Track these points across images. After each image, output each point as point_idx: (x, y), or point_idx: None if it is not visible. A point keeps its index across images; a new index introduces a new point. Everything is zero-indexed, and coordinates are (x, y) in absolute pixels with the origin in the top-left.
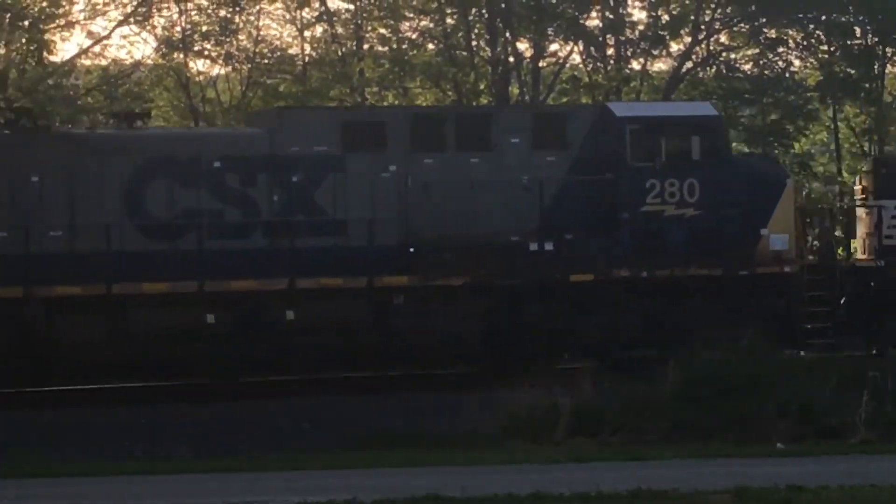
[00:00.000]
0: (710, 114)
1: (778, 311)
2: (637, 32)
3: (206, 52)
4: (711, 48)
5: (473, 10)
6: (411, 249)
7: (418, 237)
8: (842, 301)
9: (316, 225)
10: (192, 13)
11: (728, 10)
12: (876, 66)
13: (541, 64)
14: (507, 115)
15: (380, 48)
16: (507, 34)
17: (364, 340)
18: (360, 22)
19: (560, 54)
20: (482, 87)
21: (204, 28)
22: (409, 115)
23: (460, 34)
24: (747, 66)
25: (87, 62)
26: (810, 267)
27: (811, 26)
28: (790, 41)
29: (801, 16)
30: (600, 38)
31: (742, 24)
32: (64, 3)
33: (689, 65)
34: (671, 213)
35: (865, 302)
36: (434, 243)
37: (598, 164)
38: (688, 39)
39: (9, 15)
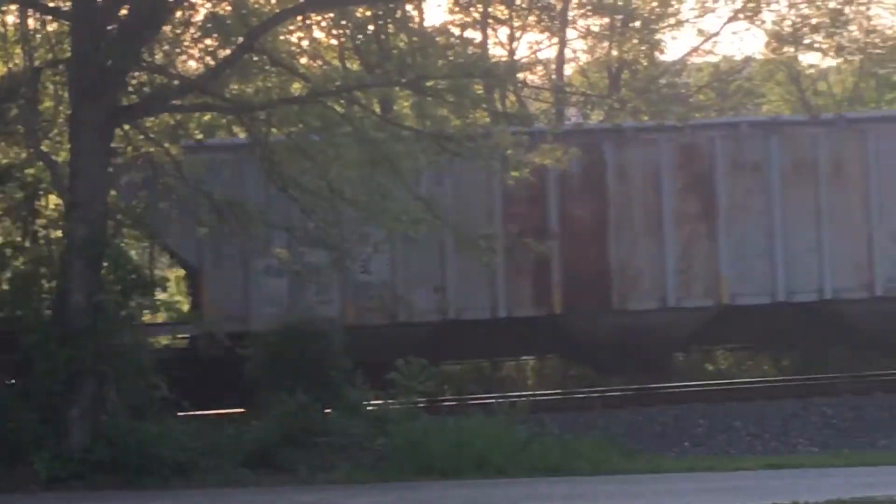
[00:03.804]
0: None
1: None
2: None
3: (816, 45)
4: None
5: None
6: None
7: None
8: None
9: None
10: (801, 6)
11: None
12: None
13: None
14: None
15: None
16: None
17: None
18: None
19: None
20: None
21: (814, 21)
22: None
23: None
24: None
25: (698, 60)
26: None
27: None
28: None
29: None
30: None
31: None
32: (674, 3)
33: None
34: None
35: None
36: None
37: None
38: None
39: (620, 17)
